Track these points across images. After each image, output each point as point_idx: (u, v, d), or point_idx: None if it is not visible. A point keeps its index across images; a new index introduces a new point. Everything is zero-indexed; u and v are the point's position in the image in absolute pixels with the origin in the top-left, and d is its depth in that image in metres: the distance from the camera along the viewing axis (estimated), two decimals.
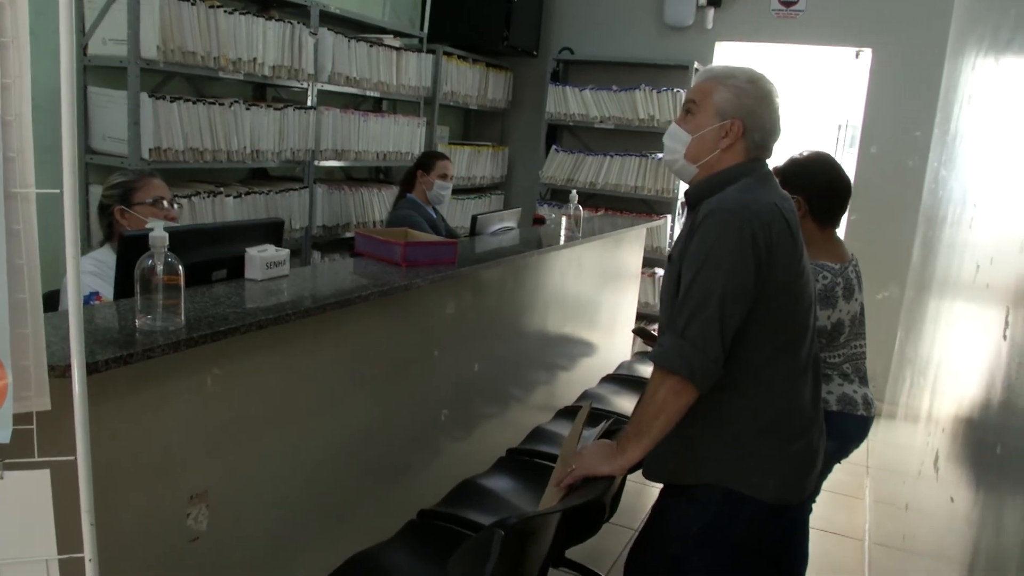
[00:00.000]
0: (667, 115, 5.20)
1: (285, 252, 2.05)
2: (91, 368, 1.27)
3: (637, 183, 5.36)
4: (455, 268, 2.41)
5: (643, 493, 3.57)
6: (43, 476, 1.12)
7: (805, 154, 2.43)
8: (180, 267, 1.50)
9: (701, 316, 1.64)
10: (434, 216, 3.89)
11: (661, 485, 1.91)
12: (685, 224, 1.80)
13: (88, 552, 1.14)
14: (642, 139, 5.50)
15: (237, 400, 1.73)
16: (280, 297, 1.90)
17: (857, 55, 5.23)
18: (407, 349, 2.39)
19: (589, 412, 2.02)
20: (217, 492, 1.70)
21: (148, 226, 1.52)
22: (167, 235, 1.47)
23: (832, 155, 2.48)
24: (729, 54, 5.48)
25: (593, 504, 1.89)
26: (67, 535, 1.23)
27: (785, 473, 1.78)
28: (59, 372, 1.21)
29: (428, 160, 3.94)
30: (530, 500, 2.51)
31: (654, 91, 5.23)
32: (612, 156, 5.43)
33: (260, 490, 1.85)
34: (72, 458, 1.12)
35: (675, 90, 5.18)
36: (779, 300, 1.70)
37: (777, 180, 1.87)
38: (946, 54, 4.08)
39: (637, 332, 2.72)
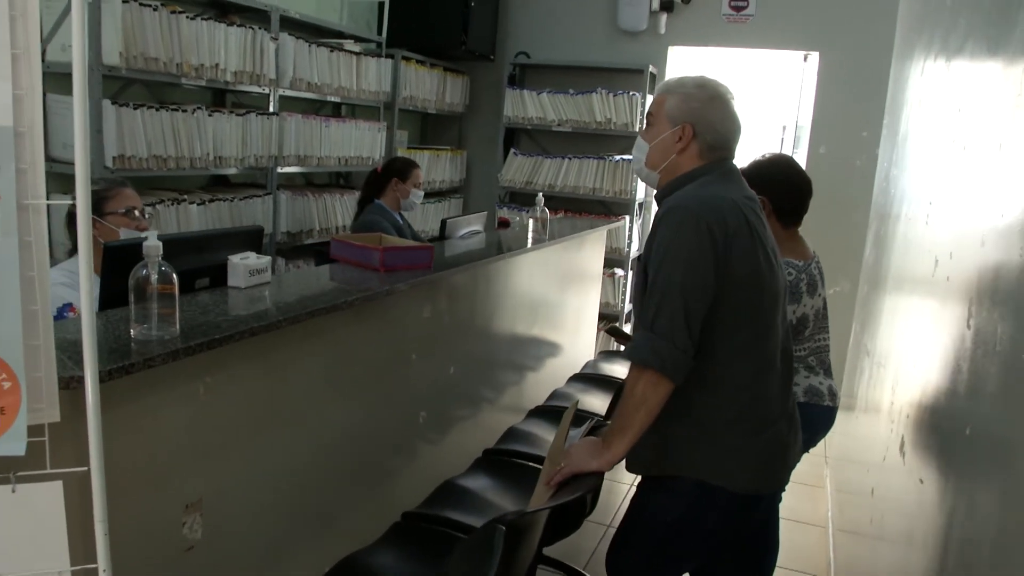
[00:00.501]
0: (624, 118, 5.30)
1: (267, 259, 2.05)
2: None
3: (595, 185, 5.44)
4: (431, 272, 2.44)
5: (614, 490, 3.64)
6: (56, 488, 1.12)
7: (767, 156, 2.52)
8: (174, 276, 1.50)
9: (666, 309, 1.71)
10: (400, 222, 3.90)
11: (639, 479, 1.98)
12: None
13: (102, 563, 1.14)
14: (599, 142, 5.58)
15: (228, 408, 1.73)
16: (265, 304, 1.91)
17: (805, 58, 5.40)
18: (387, 353, 2.41)
19: (574, 412, 2.07)
20: (211, 501, 1.70)
21: (125, 234, 1.52)
22: (160, 244, 1.47)
23: (792, 157, 2.58)
24: (682, 58, 5.60)
25: (576, 501, 1.94)
26: (72, 546, 1.23)
27: (754, 465, 1.84)
28: (63, 383, 1.21)
29: (405, 168, 3.95)
30: (510, 499, 2.55)
31: (610, 94, 5.31)
32: (570, 159, 5.51)
33: (252, 497, 1.85)
34: (85, 469, 1.12)
35: (631, 93, 5.27)
36: (739, 294, 1.77)
37: (743, 178, 1.95)
38: (892, 58, 4.24)
39: (610, 332, 2.78)
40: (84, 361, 1.07)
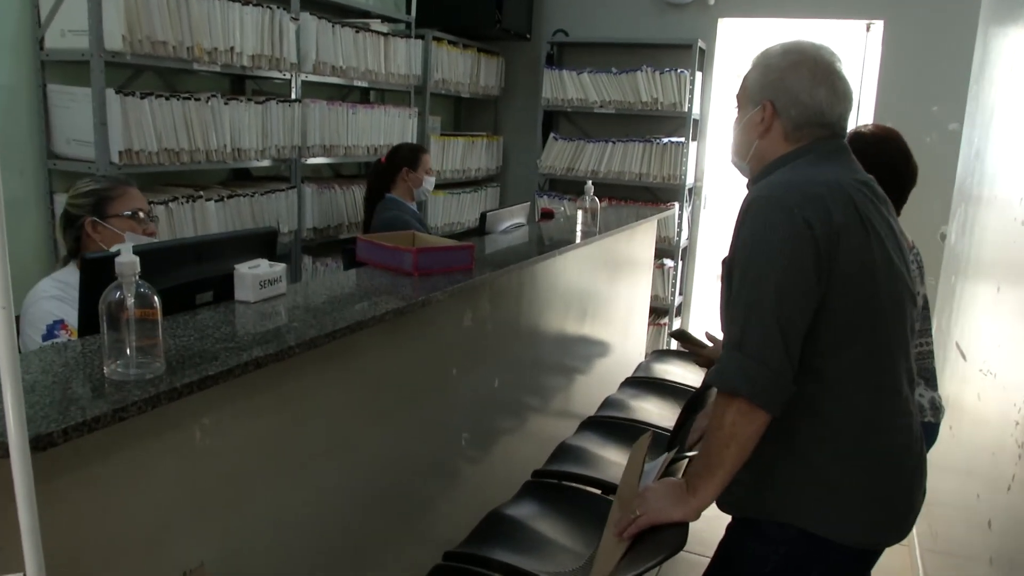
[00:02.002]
0: (671, 97, 4.92)
1: (280, 267, 1.75)
2: (44, 441, 0.97)
3: (642, 170, 5.07)
4: (472, 276, 2.12)
5: None
6: None
7: (871, 128, 2.19)
8: (156, 298, 1.20)
9: (756, 323, 1.40)
10: (418, 213, 3.63)
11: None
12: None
13: None
14: (646, 123, 5.21)
15: (233, 452, 1.43)
16: (278, 322, 1.60)
17: (868, 28, 4.97)
18: (423, 370, 2.10)
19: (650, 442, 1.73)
20: (216, 564, 1.40)
21: (114, 248, 1.22)
22: (137, 260, 1.17)
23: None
24: (733, 31, 5.20)
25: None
26: None
27: (875, 512, 1.52)
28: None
29: (413, 155, 3.68)
30: (564, 531, 2.25)
31: (657, 72, 4.93)
32: (614, 142, 5.14)
33: (268, 552, 1.56)
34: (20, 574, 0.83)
35: (679, 71, 4.89)
36: (850, 301, 1.44)
37: (854, 157, 1.60)
38: (979, 22, 3.81)
39: (676, 336, 2.43)
40: (9, 440, 0.77)
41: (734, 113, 1.66)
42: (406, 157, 3.69)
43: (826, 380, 1.47)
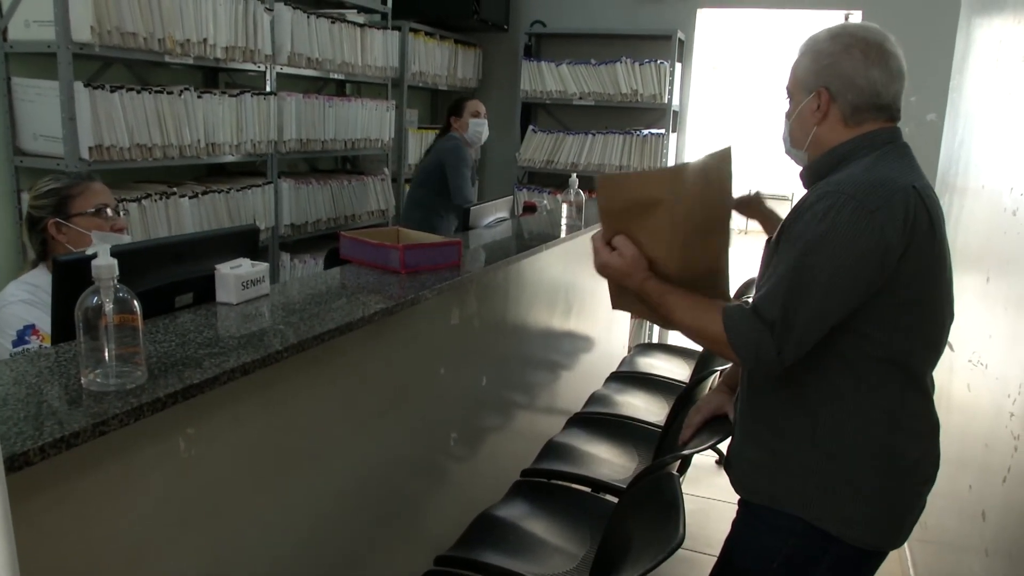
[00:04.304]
0: (651, 89, 4.88)
1: (263, 267, 1.68)
2: (20, 461, 0.91)
3: (622, 162, 5.04)
4: (460, 273, 2.07)
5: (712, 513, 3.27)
6: None
7: None
8: (136, 303, 1.13)
9: (791, 301, 1.37)
10: (472, 156, 3.93)
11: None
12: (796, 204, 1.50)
13: None
14: (625, 115, 5.18)
15: (219, 462, 1.37)
16: (263, 324, 1.53)
17: (846, 18, 4.97)
18: (410, 369, 2.04)
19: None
20: None
21: (90, 249, 1.14)
22: (115, 263, 1.10)
23: None
24: (712, 21, 5.17)
25: None
26: None
27: (886, 514, 1.50)
28: None
29: (457, 105, 4.01)
30: (556, 531, 2.21)
31: (636, 64, 4.90)
32: (594, 135, 5.10)
33: (254, 564, 1.49)
34: None
35: (659, 62, 4.85)
36: (905, 311, 1.41)
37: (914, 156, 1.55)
38: (960, 12, 3.81)
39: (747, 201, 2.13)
40: None
41: (784, 104, 1.60)
42: (451, 109, 4.02)
43: (862, 377, 1.44)
